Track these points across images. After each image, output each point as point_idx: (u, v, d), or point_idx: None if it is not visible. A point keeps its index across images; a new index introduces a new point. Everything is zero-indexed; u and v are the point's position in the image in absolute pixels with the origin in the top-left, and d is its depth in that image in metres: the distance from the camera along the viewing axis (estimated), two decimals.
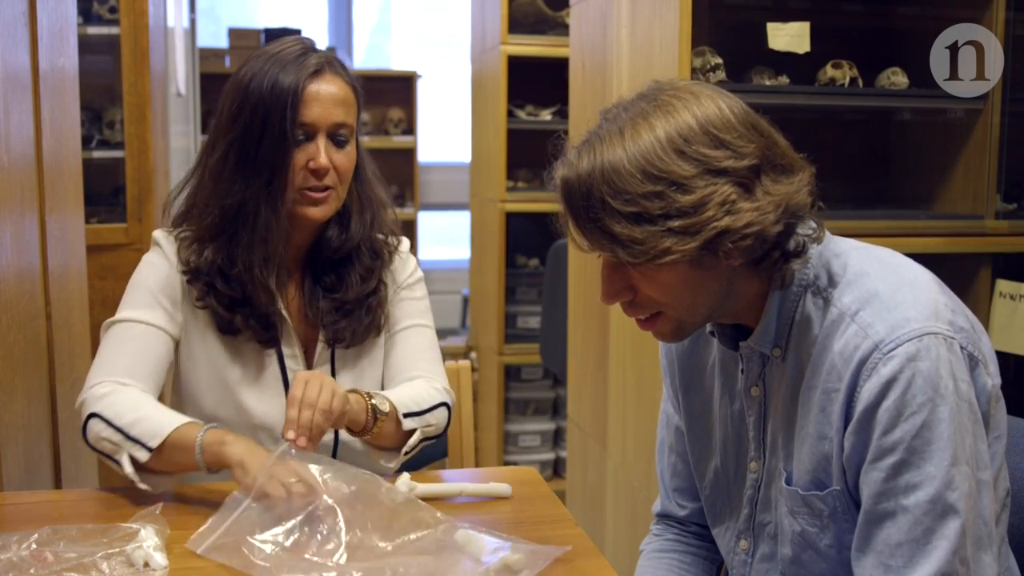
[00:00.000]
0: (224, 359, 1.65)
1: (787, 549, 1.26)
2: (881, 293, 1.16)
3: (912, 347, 1.11)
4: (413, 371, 1.71)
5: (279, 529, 1.25)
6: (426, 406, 1.63)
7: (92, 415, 1.53)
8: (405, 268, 1.78)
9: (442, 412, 1.67)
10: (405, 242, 1.81)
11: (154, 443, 1.46)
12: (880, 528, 1.13)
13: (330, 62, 1.62)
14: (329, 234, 1.67)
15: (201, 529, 1.27)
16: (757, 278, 1.21)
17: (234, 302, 1.61)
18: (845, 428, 1.16)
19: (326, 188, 1.60)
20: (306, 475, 1.32)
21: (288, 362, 1.67)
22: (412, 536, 1.26)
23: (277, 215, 1.58)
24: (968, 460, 1.11)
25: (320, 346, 1.69)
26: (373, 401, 1.53)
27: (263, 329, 1.63)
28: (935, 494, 1.10)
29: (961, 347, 1.14)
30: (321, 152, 1.58)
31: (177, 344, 1.65)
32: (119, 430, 1.49)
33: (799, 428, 1.22)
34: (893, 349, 1.11)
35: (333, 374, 1.69)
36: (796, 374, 1.22)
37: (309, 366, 1.69)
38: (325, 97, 1.58)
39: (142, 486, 1.48)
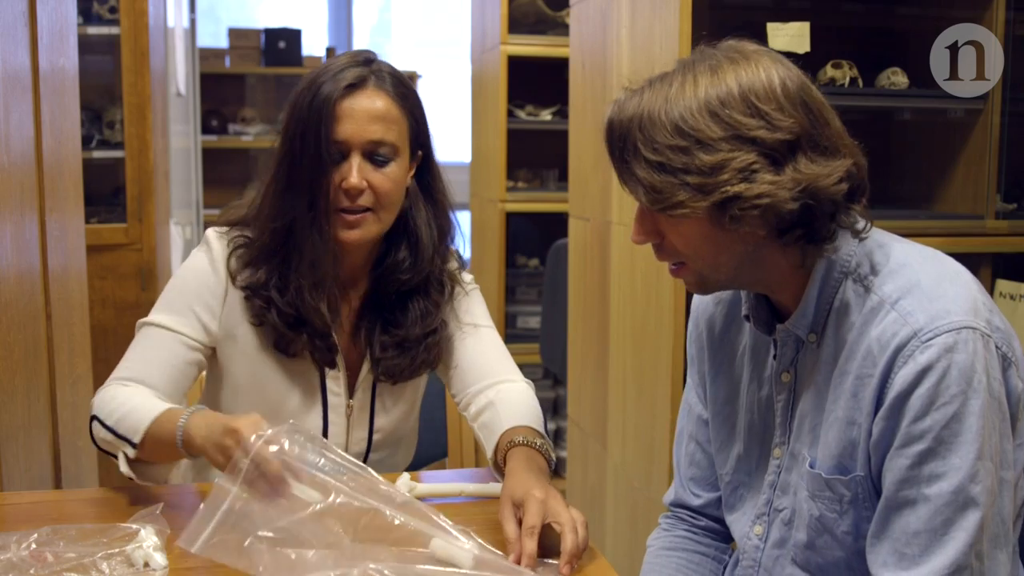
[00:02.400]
0: (266, 372, 1.58)
1: (802, 534, 1.27)
2: (923, 283, 1.17)
3: (950, 338, 1.12)
4: (497, 375, 1.64)
5: (274, 527, 1.22)
6: (540, 415, 1.59)
7: (92, 417, 1.50)
8: (471, 307, 1.68)
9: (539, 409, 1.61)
10: (468, 276, 1.72)
11: (138, 437, 1.42)
12: (899, 515, 1.14)
13: (378, 74, 1.52)
14: (400, 257, 1.59)
15: (190, 525, 1.21)
16: (784, 253, 1.21)
17: (296, 321, 1.54)
18: (875, 413, 1.17)
19: (363, 210, 1.51)
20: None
21: (329, 383, 1.61)
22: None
23: (324, 238, 1.51)
24: (993, 457, 1.12)
25: (364, 373, 1.63)
26: (552, 456, 1.46)
27: (326, 350, 1.57)
28: (958, 485, 1.10)
29: (997, 346, 1.15)
30: (353, 171, 1.48)
31: (214, 351, 1.59)
32: (110, 429, 1.46)
33: (828, 412, 1.23)
34: (932, 338, 1.12)
35: (372, 402, 1.64)
36: (830, 359, 1.23)
37: (351, 389, 1.63)
38: (360, 113, 1.49)
39: (141, 481, 1.47)
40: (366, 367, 1.63)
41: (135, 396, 1.49)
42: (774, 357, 1.30)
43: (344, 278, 1.61)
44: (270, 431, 1.26)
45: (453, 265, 1.67)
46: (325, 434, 1.61)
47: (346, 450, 1.61)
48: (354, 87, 1.50)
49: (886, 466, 1.16)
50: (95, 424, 1.48)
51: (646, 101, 1.16)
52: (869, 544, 1.18)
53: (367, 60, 1.54)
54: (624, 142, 1.17)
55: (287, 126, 1.52)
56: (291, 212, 1.51)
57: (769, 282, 1.25)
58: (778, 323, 1.28)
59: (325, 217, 1.50)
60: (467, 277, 1.71)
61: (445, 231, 1.64)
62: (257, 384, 1.59)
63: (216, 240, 1.59)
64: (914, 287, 1.17)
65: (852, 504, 1.21)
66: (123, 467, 1.45)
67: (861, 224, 1.22)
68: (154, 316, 1.57)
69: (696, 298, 1.45)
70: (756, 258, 1.21)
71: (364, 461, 1.64)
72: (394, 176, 1.52)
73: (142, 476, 1.47)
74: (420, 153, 1.61)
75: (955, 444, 1.11)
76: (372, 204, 1.51)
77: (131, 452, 1.43)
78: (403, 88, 1.55)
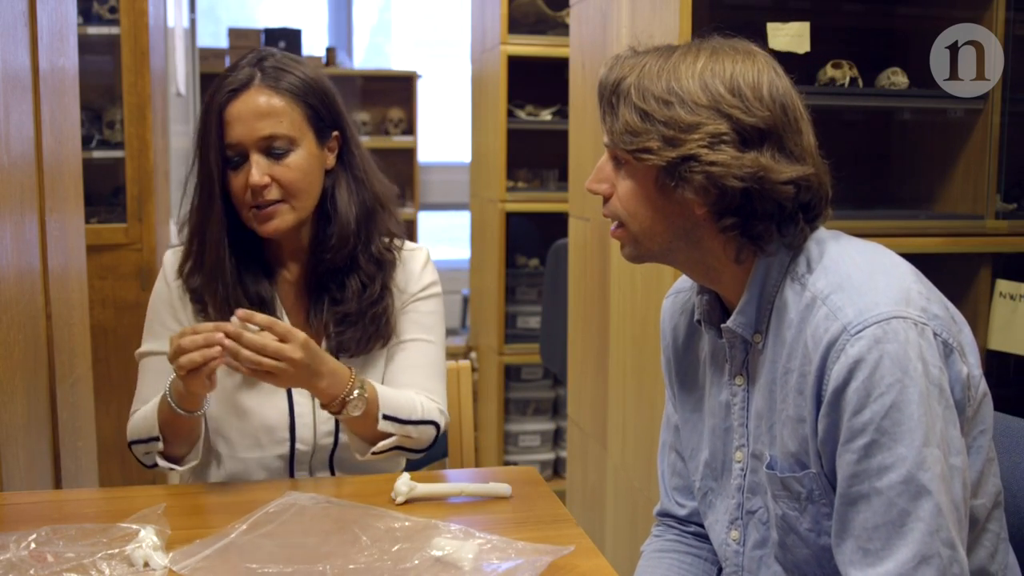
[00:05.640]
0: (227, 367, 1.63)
1: (775, 533, 1.28)
2: (853, 278, 1.19)
3: (879, 330, 1.13)
4: (409, 384, 1.69)
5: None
6: (413, 417, 1.63)
7: (130, 444, 1.65)
8: (419, 280, 1.74)
9: (428, 430, 1.66)
10: (423, 251, 1.78)
11: (156, 432, 1.58)
12: (856, 511, 1.14)
13: (265, 70, 1.59)
14: (325, 236, 1.66)
15: (186, 548, 1.26)
16: (720, 239, 1.24)
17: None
18: (818, 410, 1.18)
19: (273, 203, 1.59)
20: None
21: None
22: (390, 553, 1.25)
23: (221, 241, 1.61)
24: (939, 443, 1.12)
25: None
26: (353, 394, 1.54)
27: None
28: (907, 475, 1.11)
29: (935, 333, 1.15)
30: (252, 171, 1.56)
31: None
32: (143, 442, 1.61)
33: (780, 412, 1.24)
34: (860, 331, 1.13)
35: None
36: (776, 358, 1.25)
37: None
38: (246, 114, 1.56)
39: (185, 466, 1.63)
40: (323, 346, 1.67)
41: (144, 408, 1.64)
42: (727, 361, 1.32)
43: (286, 263, 1.70)
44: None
45: (386, 240, 1.71)
46: (291, 416, 1.67)
47: (314, 431, 1.68)
48: (237, 91, 1.58)
49: (836, 463, 1.17)
50: (134, 447, 1.64)
51: (648, 60, 1.24)
52: (834, 544, 1.18)
53: (259, 59, 1.61)
54: (618, 86, 1.24)
55: (194, 140, 1.63)
56: (204, 220, 1.62)
57: (707, 268, 1.28)
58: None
59: (222, 218, 1.60)
60: (421, 255, 1.76)
61: (370, 206, 1.69)
62: (227, 375, 1.65)
63: (169, 258, 1.72)
64: (845, 282, 1.19)
65: (809, 501, 1.22)
66: (162, 463, 1.61)
67: (799, 240, 1.25)
68: (144, 346, 1.71)
69: (663, 309, 1.48)
70: (694, 237, 1.25)
71: (334, 442, 1.69)
72: (296, 164, 1.60)
73: (183, 461, 1.62)
74: (336, 134, 1.67)
75: (898, 433, 1.11)
76: (281, 196, 1.59)
77: (160, 445, 1.59)
78: (292, 78, 1.61)
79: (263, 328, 1.45)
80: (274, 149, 1.58)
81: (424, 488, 1.48)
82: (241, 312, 1.47)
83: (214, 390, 1.64)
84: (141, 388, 1.69)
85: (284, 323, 1.49)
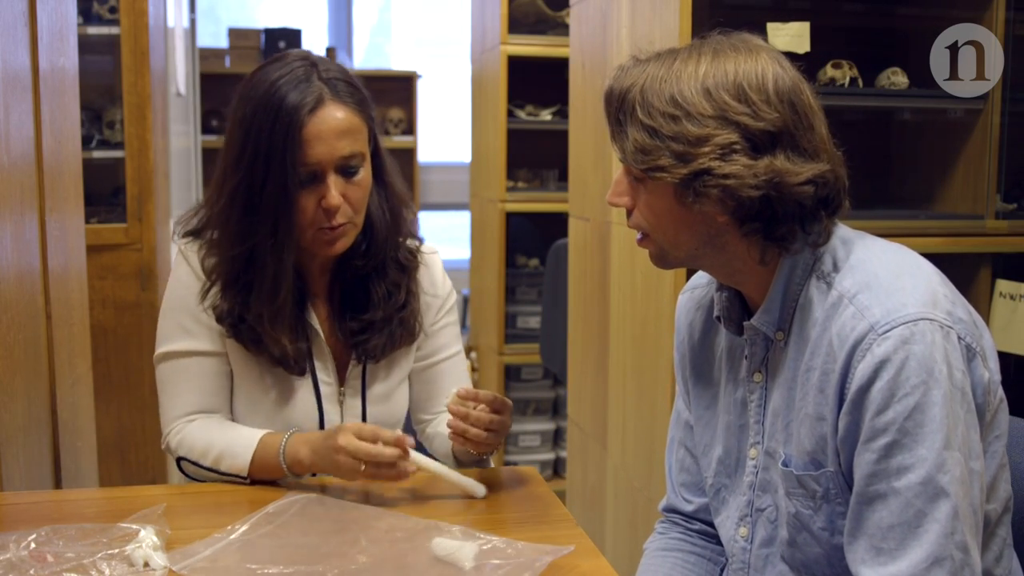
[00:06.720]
0: (257, 373, 1.62)
1: (784, 532, 1.28)
2: (881, 278, 1.19)
3: (906, 330, 1.13)
4: None
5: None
6: None
7: (180, 459, 1.60)
8: (444, 287, 1.74)
9: None
10: (438, 255, 1.75)
11: (245, 473, 1.54)
12: (872, 510, 1.14)
13: (330, 84, 1.50)
14: (355, 244, 1.60)
15: (185, 549, 1.26)
16: (745, 243, 1.24)
17: (261, 345, 1.58)
18: (839, 409, 1.18)
19: (343, 223, 1.53)
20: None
21: (320, 375, 1.64)
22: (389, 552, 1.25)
23: (283, 264, 1.52)
24: (960, 447, 1.12)
25: (352, 361, 1.66)
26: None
27: (294, 362, 1.60)
28: (926, 476, 1.11)
29: (959, 337, 1.15)
30: (331, 192, 1.49)
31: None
32: (210, 469, 1.56)
33: (798, 409, 1.24)
34: (888, 331, 1.13)
35: (363, 386, 1.67)
36: (797, 356, 1.24)
37: (341, 379, 1.66)
38: (328, 133, 1.47)
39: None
40: (352, 356, 1.66)
41: (216, 431, 1.58)
42: (746, 357, 1.32)
43: (319, 275, 1.65)
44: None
45: (412, 243, 1.70)
46: (321, 423, 1.65)
47: None
48: (318, 106, 1.48)
49: (855, 461, 1.17)
50: (185, 464, 1.59)
51: (650, 70, 1.22)
52: (846, 542, 1.19)
53: (312, 65, 1.51)
54: (623, 103, 1.23)
55: (243, 150, 1.49)
56: (252, 238, 1.52)
57: (733, 270, 1.28)
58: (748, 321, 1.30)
59: (287, 242, 1.51)
60: (436, 258, 1.76)
61: (397, 211, 1.65)
62: (258, 378, 1.62)
63: (190, 252, 1.62)
64: (872, 281, 1.19)
65: (824, 499, 1.22)
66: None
67: (824, 238, 1.24)
68: (172, 344, 1.61)
69: (679, 304, 1.48)
70: (718, 243, 1.24)
71: None
72: (364, 181, 1.55)
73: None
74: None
75: (920, 435, 1.11)
76: (349, 217, 1.53)
77: (244, 483, 1.55)
78: (355, 91, 1.54)
79: (481, 403, 1.48)
80: (349, 168, 1.51)
81: (416, 456, 1.46)
82: (462, 391, 1.48)
83: (246, 397, 1.63)
84: (179, 390, 1.61)
85: (500, 396, 1.51)
